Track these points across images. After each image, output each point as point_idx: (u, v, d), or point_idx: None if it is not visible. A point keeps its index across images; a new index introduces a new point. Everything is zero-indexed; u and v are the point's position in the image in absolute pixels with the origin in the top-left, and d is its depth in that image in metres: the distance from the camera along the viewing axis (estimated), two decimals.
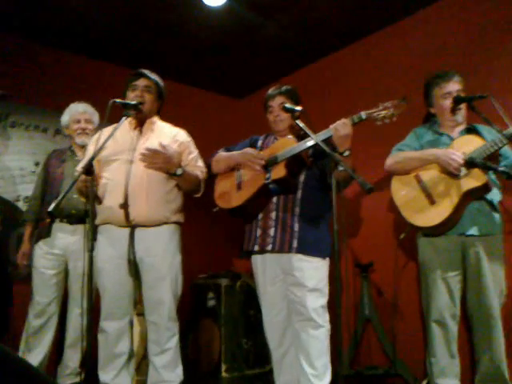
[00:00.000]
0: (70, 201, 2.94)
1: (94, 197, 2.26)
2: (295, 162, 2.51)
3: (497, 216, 2.53)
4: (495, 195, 2.53)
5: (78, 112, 3.17)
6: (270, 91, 2.71)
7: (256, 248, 2.56)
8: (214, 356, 3.62)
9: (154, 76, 2.72)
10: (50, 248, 3.00)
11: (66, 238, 3.01)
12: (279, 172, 2.48)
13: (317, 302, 2.42)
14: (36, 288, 2.98)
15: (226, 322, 3.66)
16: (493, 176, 2.55)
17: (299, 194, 2.53)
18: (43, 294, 2.96)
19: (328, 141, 2.35)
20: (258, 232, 2.57)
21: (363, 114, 2.30)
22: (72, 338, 3.01)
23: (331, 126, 2.33)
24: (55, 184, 3.07)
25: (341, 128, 2.28)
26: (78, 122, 3.16)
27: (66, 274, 3.05)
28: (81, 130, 3.15)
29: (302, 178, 2.56)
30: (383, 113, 2.26)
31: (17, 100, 3.50)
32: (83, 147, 3.11)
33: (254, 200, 2.55)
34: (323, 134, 2.37)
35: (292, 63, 4.14)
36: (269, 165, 2.53)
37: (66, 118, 3.20)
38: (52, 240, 3.01)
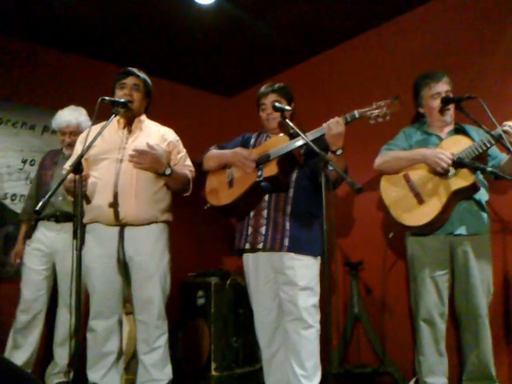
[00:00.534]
0: (56, 203, 2.98)
1: (82, 196, 2.24)
2: (287, 160, 2.50)
3: (484, 216, 2.55)
4: (483, 195, 2.55)
5: (61, 127, 3.13)
6: (263, 89, 2.69)
7: (247, 246, 2.55)
8: (204, 354, 3.61)
9: (142, 74, 2.71)
10: (37, 245, 3.02)
11: (52, 236, 3.02)
12: (271, 170, 2.46)
13: (308, 301, 2.42)
14: (24, 284, 2.99)
15: (216, 320, 3.66)
16: (480, 176, 2.57)
17: (291, 192, 2.53)
18: (30, 290, 2.97)
19: (321, 139, 2.36)
20: (250, 230, 2.56)
21: (356, 113, 2.30)
22: (61, 336, 3.01)
23: (324, 125, 2.33)
24: (44, 186, 3.07)
25: (333, 126, 2.28)
26: (63, 134, 3.15)
27: (53, 271, 3.05)
28: (67, 144, 3.13)
29: (293, 176, 2.55)
30: (376, 112, 2.26)
31: (4, 96, 3.46)
32: None
33: (245, 198, 2.54)
34: (315, 133, 2.37)
35: (283, 62, 4.13)
36: (261, 162, 2.52)
37: (54, 124, 3.18)
38: (39, 237, 3.03)
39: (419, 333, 2.59)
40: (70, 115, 3.13)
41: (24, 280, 3.00)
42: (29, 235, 3.07)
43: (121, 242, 2.55)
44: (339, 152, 2.32)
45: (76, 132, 3.11)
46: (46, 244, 3.02)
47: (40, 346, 3.02)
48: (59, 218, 3.02)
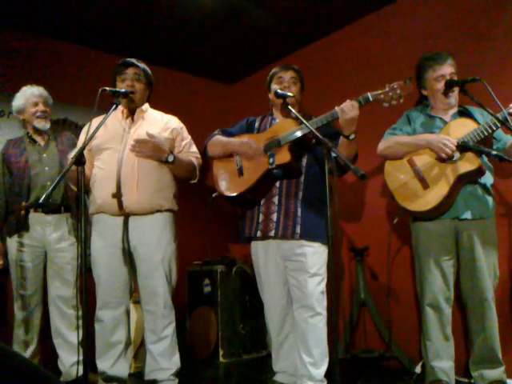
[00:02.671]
0: (42, 194, 2.86)
1: (84, 187, 2.23)
2: (299, 145, 2.46)
3: (490, 199, 2.53)
4: (488, 178, 2.53)
5: (34, 95, 3.00)
6: (282, 64, 2.67)
7: (259, 234, 2.53)
8: (211, 342, 3.64)
9: (141, 64, 2.69)
10: (27, 240, 2.91)
11: (43, 229, 2.92)
12: (284, 157, 2.42)
13: (317, 288, 2.44)
14: (17, 281, 2.90)
15: (223, 308, 3.68)
16: (485, 159, 2.54)
17: (302, 178, 2.51)
18: (25, 286, 2.90)
19: (330, 123, 2.33)
20: (261, 217, 2.53)
21: (370, 95, 2.26)
22: (57, 328, 2.94)
23: (337, 109, 2.29)
24: (21, 174, 2.93)
25: (348, 110, 2.23)
26: (36, 104, 2.99)
27: (44, 264, 2.97)
28: (41, 113, 2.99)
29: (304, 162, 2.53)
30: (390, 94, 2.23)
31: (8, 89, 3.44)
32: (44, 133, 3.04)
33: (257, 186, 2.50)
34: (325, 118, 2.34)
35: (284, 48, 4.08)
36: (270, 148, 2.48)
37: (20, 101, 3.01)
38: (28, 232, 2.91)
39: (425, 318, 2.59)
40: (39, 88, 3.04)
41: (16, 278, 2.90)
42: (12, 229, 2.93)
43: (125, 232, 2.56)
44: (352, 137, 2.29)
45: (48, 104, 3.03)
46: (37, 239, 2.91)
47: (41, 339, 2.99)
48: (48, 209, 2.92)
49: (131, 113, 2.68)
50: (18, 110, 3.05)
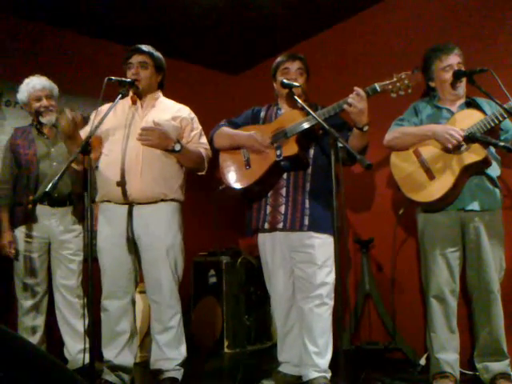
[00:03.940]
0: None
1: (90, 175, 2.24)
2: (306, 137, 2.45)
3: (496, 191, 2.51)
4: (495, 170, 2.51)
5: (36, 89, 2.95)
6: (288, 54, 2.63)
7: (266, 226, 2.52)
8: (216, 333, 3.66)
9: (147, 49, 2.64)
10: (32, 231, 2.92)
11: (48, 221, 2.93)
12: (291, 149, 2.41)
13: (325, 279, 2.44)
14: (22, 271, 2.91)
15: (228, 299, 3.69)
16: (492, 150, 2.52)
17: (309, 169, 2.50)
18: (32, 275, 2.91)
19: (337, 114, 2.33)
20: (268, 209, 2.53)
21: (377, 86, 2.25)
22: (63, 315, 2.96)
23: (345, 106, 2.26)
24: (29, 166, 2.93)
25: (356, 103, 2.21)
26: (39, 99, 2.95)
27: (48, 255, 2.99)
28: (44, 108, 2.96)
29: (311, 153, 2.51)
30: (398, 84, 2.21)
31: (11, 79, 3.44)
32: (54, 126, 3.02)
33: (265, 178, 2.49)
34: (334, 108, 2.33)
35: (289, 38, 4.04)
36: (277, 140, 2.47)
37: (24, 94, 2.97)
38: (33, 223, 2.92)
39: (430, 310, 2.58)
40: (42, 80, 2.99)
41: (21, 267, 2.91)
42: (19, 220, 2.94)
43: (130, 220, 2.55)
44: (366, 128, 2.27)
45: (51, 97, 2.98)
46: (42, 230, 2.93)
47: (47, 327, 3.01)
48: (54, 202, 2.93)
49: (140, 99, 2.65)
50: (23, 103, 3.04)
